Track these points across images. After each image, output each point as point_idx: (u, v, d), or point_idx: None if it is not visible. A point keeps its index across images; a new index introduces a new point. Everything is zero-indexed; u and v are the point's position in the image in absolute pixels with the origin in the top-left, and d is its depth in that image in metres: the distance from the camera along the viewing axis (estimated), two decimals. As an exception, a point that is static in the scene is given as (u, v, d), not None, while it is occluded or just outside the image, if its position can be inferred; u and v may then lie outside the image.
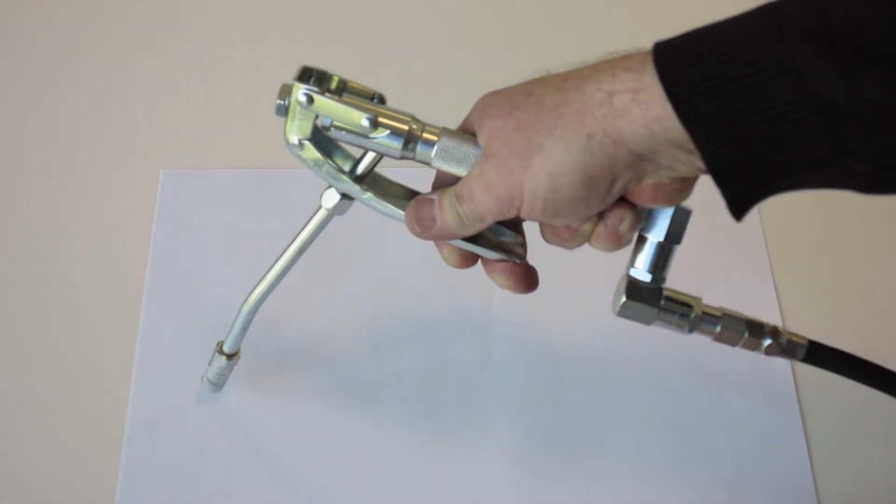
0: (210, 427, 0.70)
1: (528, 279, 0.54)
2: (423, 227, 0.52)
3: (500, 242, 0.54)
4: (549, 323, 0.75)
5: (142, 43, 0.90)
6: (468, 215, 0.50)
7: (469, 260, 0.54)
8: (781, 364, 0.74)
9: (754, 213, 0.80)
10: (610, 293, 0.76)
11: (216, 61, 0.89)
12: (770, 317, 0.73)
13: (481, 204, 0.49)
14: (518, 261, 0.54)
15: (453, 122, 0.52)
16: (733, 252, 0.79)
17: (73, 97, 0.86)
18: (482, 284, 0.76)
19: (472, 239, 0.52)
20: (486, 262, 0.54)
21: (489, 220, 0.50)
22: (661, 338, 0.75)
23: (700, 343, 0.74)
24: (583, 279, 0.77)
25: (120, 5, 0.92)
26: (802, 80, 0.40)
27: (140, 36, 0.90)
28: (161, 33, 0.91)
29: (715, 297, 0.55)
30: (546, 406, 0.72)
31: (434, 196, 0.52)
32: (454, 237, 0.52)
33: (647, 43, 0.44)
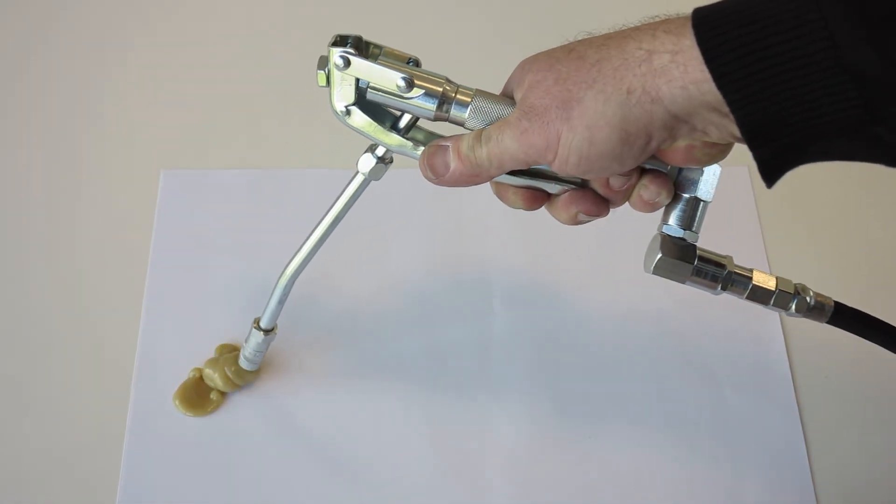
0: (210, 426, 0.70)
1: (599, 200, 0.53)
2: (437, 174, 0.53)
3: (552, 174, 0.53)
4: (548, 320, 0.76)
5: (142, 43, 0.90)
6: (485, 157, 0.50)
7: (536, 200, 0.54)
8: (781, 363, 0.74)
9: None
10: (611, 287, 0.77)
11: (216, 61, 0.89)
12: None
13: (508, 149, 0.49)
14: (576, 186, 0.53)
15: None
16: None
17: (74, 97, 0.86)
18: (484, 273, 0.77)
19: (531, 174, 0.52)
20: (551, 204, 0.54)
21: (507, 166, 0.51)
22: (660, 336, 0.75)
23: (699, 342, 0.75)
24: (582, 275, 0.78)
25: (120, 4, 0.92)
26: (836, 47, 0.40)
27: (140, 36, 0.90)
28: (161, 33, 0.91)
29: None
30: (544, 403, 0.72)
31: (448, 142, 0.52)
32: (466, 183, 0.52)
33: (687, 9, 0.45)
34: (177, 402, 0.70)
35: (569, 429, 0.71)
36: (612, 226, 0.78)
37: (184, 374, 0.71)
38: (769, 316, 0.76)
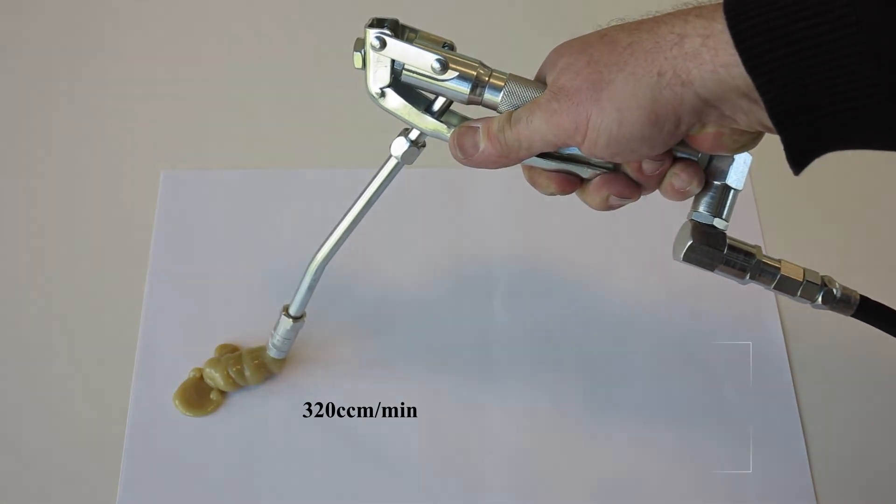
0: (210, 426, 0.70)
1: (631, 183, 0.53)
2: (466, 154, 0.53)
3: (585, 158, 0.53)
4: (548, 316, 0.76)
5: (142, 43, 0.90)
6: (514, 138, 0.51)
7: (569, 184, 0.54)
8: (780, 363, 0.74)
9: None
10: (611, 285, 0.77)
11: (216, 61, 0.89)
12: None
13: (537, 131, 0.50)
14: (609, 169, 0.53)
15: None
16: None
17: (74, 97, 0.86)
18: (485, 269, 0.77)
19: (563, 158, 0.53)
20: (583, 189, 0.54)
21: (537, 148, 0.51)
22: (660, 335, 0.75)
23: (699, 341, 0.75)
24: (583, 272, 0.78)
25: (120, 5, 0.92)
26: (864, 32, 0.41)
27: (140, 36, 0.90)
28: (161, 33, 0.91)
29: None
30: (544, 403, 0.72)
31: (479, 123, 0.53)
32: (495, 165, 0.53)
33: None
34: (177, 402, 0.70)
35: (568, 429, 0.71)
36: (612, 223, 0.79)
37: (184, 374, 0.71)
38: (769, 315, 0.76)
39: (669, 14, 0.47)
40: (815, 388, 0.73)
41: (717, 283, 0.76)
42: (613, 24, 0.49)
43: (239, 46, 0.90)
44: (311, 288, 0.64)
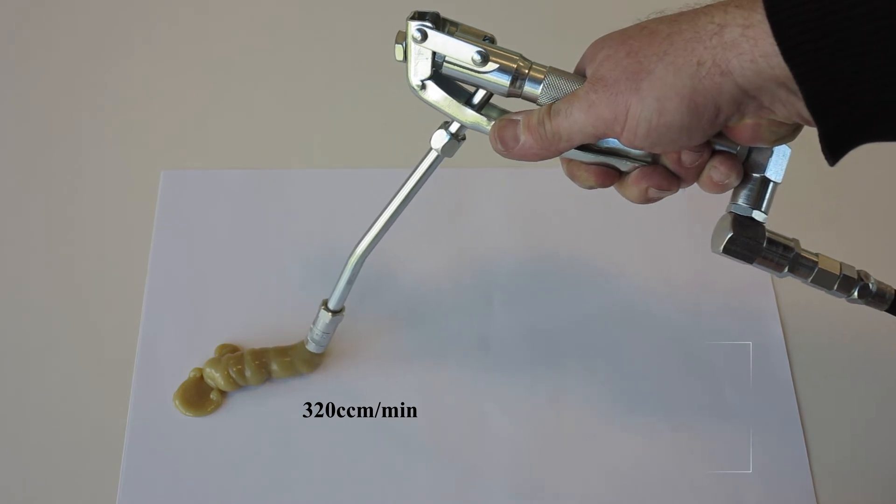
0: (210, 426, 0.70)
1: (670, 176, 0.53)
2: (506, 147, 0.53)
3: (624, 151, 0.53)
4: (548, 320, 0.76)
5: (142, 43, 0.90)
6: (554, 131, 0.51)
7: (609, 177, 0.54)
8: (780, 363, 0.74)
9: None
10: (610, 284, 0.77)
11: (216, 61, 0.89)
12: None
13: (576, 122, 0.50)
14: (648, 161, 0.53)
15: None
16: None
17: (74, 98, 0.86)
18: (484, 268, 0.77)
19: (602, 151, 0.53)
20: (621, 183, 0.54)
21: (576, 140, 0.51)
22: (660, 335, 0.75)
23: (699, 342, 0.75)
24: (582, 276, 0.78)
25: (119, 6, 0.92)
26: None
27: (140, 36, 0.90)
28: (161, 33, 0.91)
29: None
30: (544, 403, 0.72)
31: (519, 116, 0.53)
32: (535, 157, 0.53)
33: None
34: (177, 402, 0.70)
35: (568, 429, 0.71)
36: (613, 223, 0.79)
37: (184, 374, 0.71)
38: (769, 315, 0.76)
39: (709, 5, 0.47)
40: (815, 387, 0.73)
41: (718, 283, 0.76)
42: (653, 16, 0.50)
43: (239, 46, 0.90)
44: (350, 282, 0.64)
